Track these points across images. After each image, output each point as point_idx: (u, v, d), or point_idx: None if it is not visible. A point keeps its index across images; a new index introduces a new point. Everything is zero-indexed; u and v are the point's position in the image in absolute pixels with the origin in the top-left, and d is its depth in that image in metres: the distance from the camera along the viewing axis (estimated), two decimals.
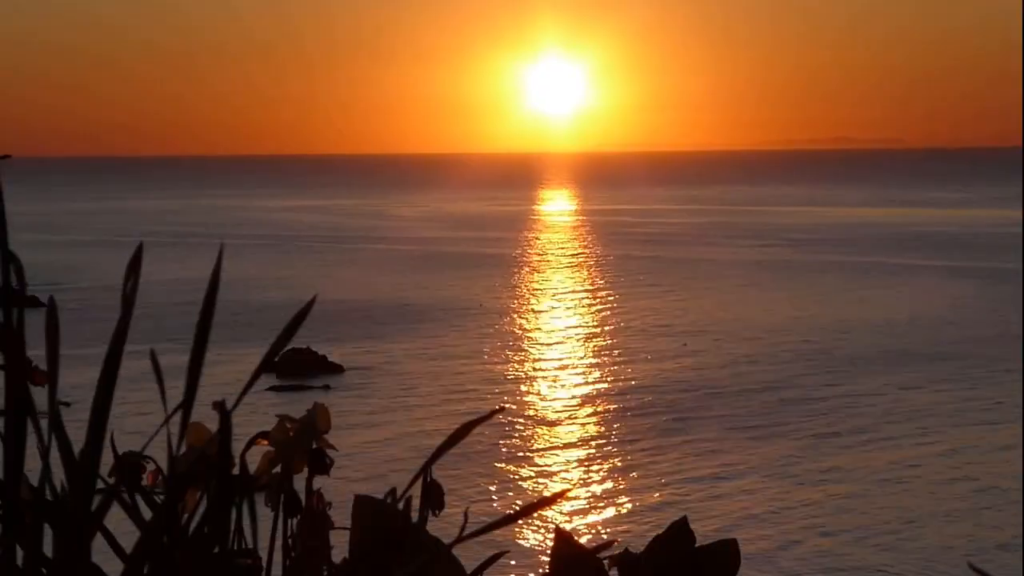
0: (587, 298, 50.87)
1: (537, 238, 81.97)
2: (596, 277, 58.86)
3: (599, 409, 29.88)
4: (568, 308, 47.73)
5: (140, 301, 1.77)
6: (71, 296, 45.97)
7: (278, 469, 2.25)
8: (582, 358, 36.61)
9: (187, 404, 1.75)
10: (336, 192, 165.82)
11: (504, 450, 25.43)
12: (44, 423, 1.73)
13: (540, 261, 65.87)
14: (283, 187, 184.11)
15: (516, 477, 23.80)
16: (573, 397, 31.13)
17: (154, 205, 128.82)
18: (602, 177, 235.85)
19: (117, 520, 1.85)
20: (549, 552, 2.62)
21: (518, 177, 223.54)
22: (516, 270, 60.65)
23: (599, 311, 46.96)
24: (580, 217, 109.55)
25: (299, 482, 2.28)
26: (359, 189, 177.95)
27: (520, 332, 40.88)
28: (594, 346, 38.71)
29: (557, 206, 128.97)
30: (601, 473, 24.51)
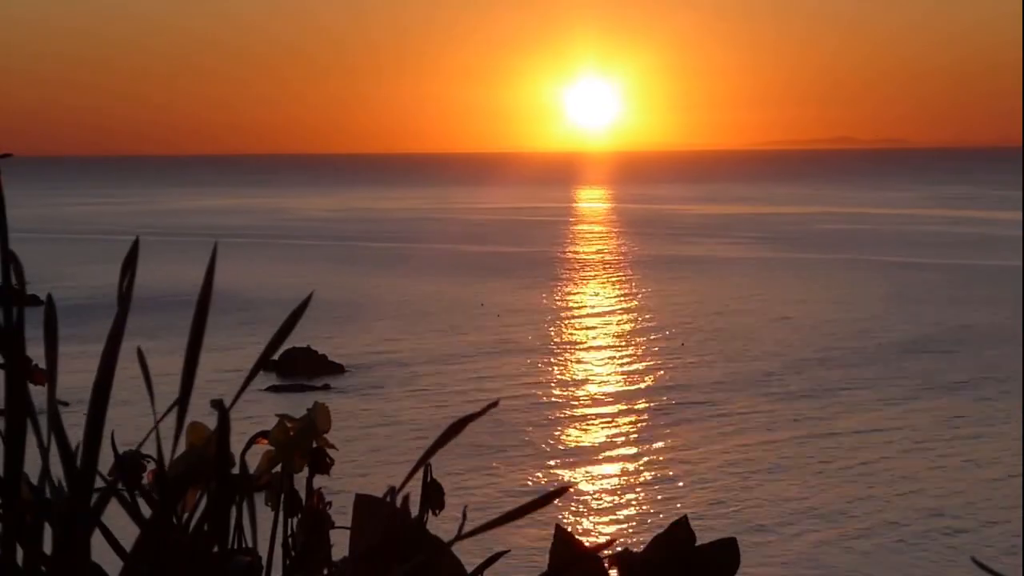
0: (587, 297, 50.89)
1: (540, 237, 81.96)
2: (595, 276, 58.89)
3: (598, 407, 29.88)
4: (568, 307, 47.74)
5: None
6: (67, 293, 45.98)
7: (278, 469, 2.25)
8: (581, 356, 36.61)
9: (183, 402, 1.75)
10: (371, 190, 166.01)
11: (503, 447, 25.43)
12: (43, 422, 1.72)
13: (540, 260, 65.86)
14: (329, 185, 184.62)
15: (515, 474, 23.80)
16: (572, 395, 31.13)
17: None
18: (618, 175, 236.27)
19: (117, 519, 1.85)
20: (549, 551, 2.63)
21: (546, 176, 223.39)
22: (517, 269, 60.64)
23: (598, 309, 46.97)
24: (584, 216, 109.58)
25: (299, 481, 2.28)
26: (383, 186, 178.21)
27: (520, 331, 40.87)
28: (593, 344, 38.72)
29: (568, 204, 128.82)
30: (600, 471, 24.52)
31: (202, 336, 1.72)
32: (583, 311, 46.71)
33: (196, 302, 1.71)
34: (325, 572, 2.15)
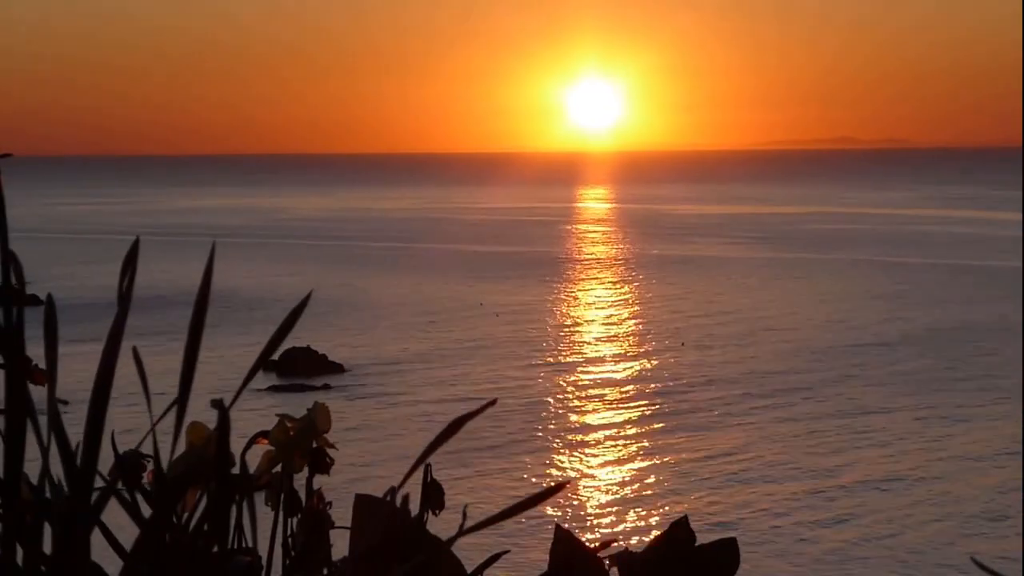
0: (587, 297, 50.89)
1: (541, 237, 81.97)
2: (596, 276, 58.89)
3: (598, 406, 29.89)
4: (568, 307, 47.75)
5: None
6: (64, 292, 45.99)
7: (278, 468, 2.25)
8: (581, 356, 36.61)
9: (182, 402, 1.74)
10: (372, 189, 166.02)
11: (503, 446, 25.43)
12: (43, 421, 1.72)
13: (541, 260, 65.87)
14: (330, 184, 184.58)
15: (515, 473, 23.80)
16: (571, 394, 31.13)
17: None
18: (620, 175, 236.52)
19: (117, 519, 1.85)
20: (549, 551, 2.63)
21: (548, 176, 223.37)
22: (516, 269, 60.65)
23: (598, 309, 46.98)
24: (585, 216, 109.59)
25: (299, 481, 2.28)
26: (384, 186, 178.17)
27: (519, 330, 40.87)
28: (593, 344, 38.71)
29: (570, 204, 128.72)
30: (600, 470, 24.52)
31: (200, 335, 1.72)
32: (583, 311, 46.71)
33: (195, 301, 1.71)
34: (325, 572, 2.15)
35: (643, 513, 21.81)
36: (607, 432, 27.55)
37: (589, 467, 24.84)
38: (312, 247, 74.00)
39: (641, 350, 37.38)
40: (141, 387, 1.80)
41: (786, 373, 33.31)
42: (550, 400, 30.50)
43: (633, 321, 43.52)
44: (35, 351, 1.81)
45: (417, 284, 53.60)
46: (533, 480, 23.53)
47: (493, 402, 1.84)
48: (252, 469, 2.12)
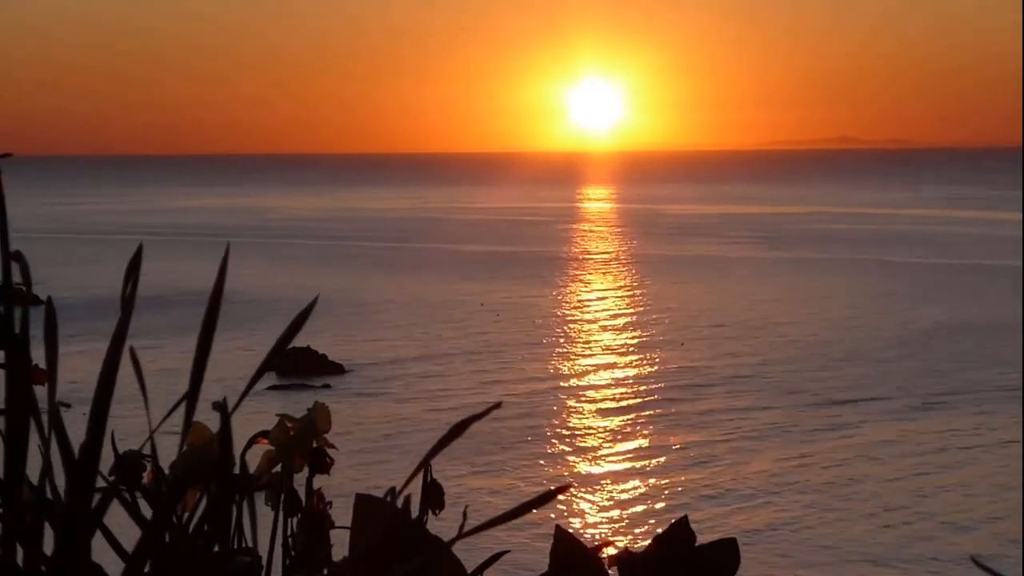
0: (587, 297, 50.89)
1: (541, 237, 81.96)
2: (596, 276, 58.89)
3: (599, 408, 29.88)
4: (568, 307, 47.75)
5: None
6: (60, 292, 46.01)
7: (278, 468, 2.26)
8: (581, 357, 36.61)
9: (190, 402, 1.75)
10: (372, 189, 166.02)
11: (504, 448, 25.44)
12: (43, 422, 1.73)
13: (541, 260, 65.87)
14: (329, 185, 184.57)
15: (516, 475, 23.81)
16: (572, 396, 31.13)
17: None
18: (622, 175, 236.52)
19: (118, 519, 1.85)
20: (549, 551, 2.63)
21: (549, 176, 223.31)
22: (517, 269, 60.65)
23: (599, 309, 46.98)
24: (586, 216, 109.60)
25: (299, 481, 2.29)
26: (385, 186, 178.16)
27: (520, 331, 40.87)
28: (593, 345, 38.71)
29: (571, 204, 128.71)
30: (600, 471, 24.52)
31: (212, 337, 1.73)
32: (583, 311, 46.71)
33: (208, 302, 1.72)
34: (325, 572, 2.16)
35: (642, 514, 21.81)
36: (607, 432, 27.55)
37: (589, 467, 24.84)
38: (311, 247, 74.01)
39: (641, 350, 37.36)
40: (139, 388, 1.80)
41: (787, 373, 33.32)
42: (550, 400, 30.50)
43: (633, 321, 43.51)
44: (36, 351, 1.82)
45: (417, 284, 53.60)
46: (534, 481, 23.54)
47: (498, 405, 1.85)
48: (252, 469, 2.13)
